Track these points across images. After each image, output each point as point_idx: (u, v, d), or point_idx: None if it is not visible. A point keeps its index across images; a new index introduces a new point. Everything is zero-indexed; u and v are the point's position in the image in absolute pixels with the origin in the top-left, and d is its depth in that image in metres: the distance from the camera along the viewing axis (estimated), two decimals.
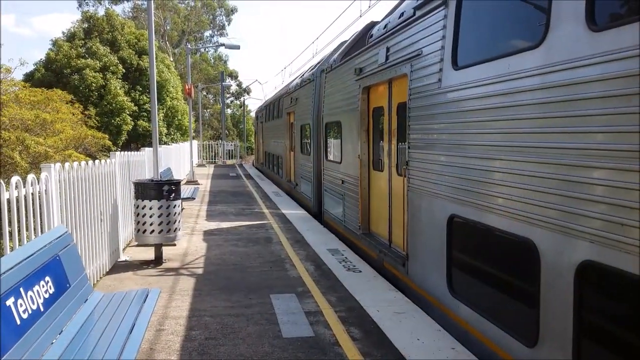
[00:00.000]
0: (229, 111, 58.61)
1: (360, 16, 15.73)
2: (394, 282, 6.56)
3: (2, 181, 4.11)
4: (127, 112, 26.34)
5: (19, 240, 4.40)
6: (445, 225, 5.16)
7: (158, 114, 24.44)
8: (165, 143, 24.41)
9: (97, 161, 6.84)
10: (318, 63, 13.95)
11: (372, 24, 9.72)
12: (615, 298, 3.21)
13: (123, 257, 7.77)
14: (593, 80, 3.09)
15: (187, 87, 20.20)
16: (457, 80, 4.88)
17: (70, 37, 28.09)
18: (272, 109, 21.91)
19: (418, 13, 5.90)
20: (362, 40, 9.64)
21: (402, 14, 6.94)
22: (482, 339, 4.45)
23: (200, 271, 7.06)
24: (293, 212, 12.50)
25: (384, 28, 7.77)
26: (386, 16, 8.54)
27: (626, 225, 2.85)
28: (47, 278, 3.58)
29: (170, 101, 30.18)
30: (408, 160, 6.11)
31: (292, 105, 15.72)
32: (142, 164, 9.69)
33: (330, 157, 10.55)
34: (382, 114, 7.52)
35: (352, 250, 8.40)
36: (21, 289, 3.16)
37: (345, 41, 11.32)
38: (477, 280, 4.86)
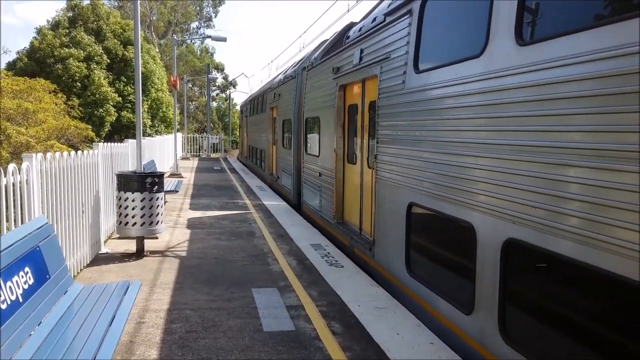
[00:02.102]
0: (214, 104, 58.28)
1: (348, 11, 15.79)
2: (363, 267, 7.08)
3: None
4: (111, 103, 26.10)
5: None
6: (405, 211, 5.74)
7: (142, 106, 24.22)
8: (149, 135, 24.22)
9: (79, 152, 6.78)
10: (300, 60, 14.34)
11: (351, 25, 10.19)
12: (532, 270, 3.78)
13: (104, 250, 7.72)
14: (518, 87, 3.65)
15: (172, 78, 20.04)
16: (418, 83, 5.44)
17: (55, 25, 27.72)
18: (257, 103, 22.22)
19: (388, 19, 6.41)
20: (341, 40, 10.03)
21: (374, 19, 7.37)
22: (431, 310, 5.06)
23: (182, 264, 7.04)
24: (276, 205, 12.55)
25: (359, 31, 8.18)
26: (363, 19, 8.94)
27: (538, 207, 3.43)
28: (26, 269, 3.56)
29: (155, 93, 29.94)
30: (376, 154, 6.66)
31: (275, 100, 16.09)
32: (125, 155, 9.62)
33: (310, 151, 10.95)
34: (356, 111, 8.02)
35: (328, 238, 8.87)
36: (0, 280, 3.14)
37: (327, 40, 11.74)
38: (429, 260, 5.50)
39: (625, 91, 2.75)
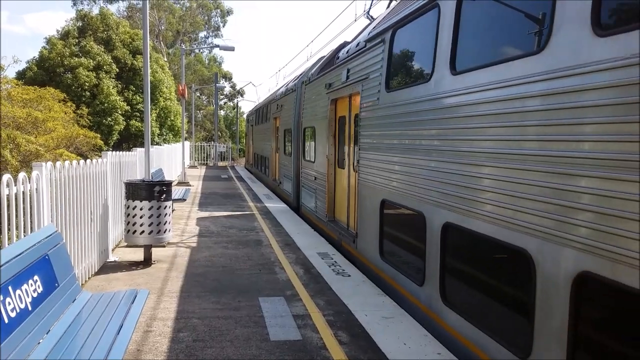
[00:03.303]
0: (222, 113, 58.52)
1: (355, 20, 15.75)
2: (348, 257, 8.22)
3: None
4: (120, 112, 26.27)
5: (9, 238, 4.39)
6: (379, 207, 6.89)
7: (151, 114, 24.37)
8: (157, 144, 24.35)
9: (88, 161, 6.84)
10: (300, 74, 15.48)
11: (344, 45, 11.38)
12: (462, 247, 4.89)
13: (112, 258, 7.75)
14: (453, 106, 4.77)
15: (180, 87, 20.17)
16: (388, 100, 6.55)
17: (64, 35, 27.99)
18: (261, 113, 23.21)
19: (367, 45, 7.57)
20: (334, 59, 11.08)
21: (358, 44, 8.50)
22: (395, 285, 6.24)
23: (189, 273, 7.06)
24: (280, 210, 12.62)
25: (347, 52, 9.34)
26: (352, 41, 10.15)
27: (465, 198, 4.52)
28: (35, 277, 3.58)
29: (164, 102, 30.11)
30: (358, 160, 7.79)
31: (278, 111, 17.32)
32: (133, 164, 9.68)
33: (307, 157, 12.17)
34: (345, 122, 9.18)
35: (322, 235, 9.90)
36: (10, 288, 3.16)
37: (323, 57, 12.78)
38: (394, 245, 6.68)
39: (519, 110, 3.76)
